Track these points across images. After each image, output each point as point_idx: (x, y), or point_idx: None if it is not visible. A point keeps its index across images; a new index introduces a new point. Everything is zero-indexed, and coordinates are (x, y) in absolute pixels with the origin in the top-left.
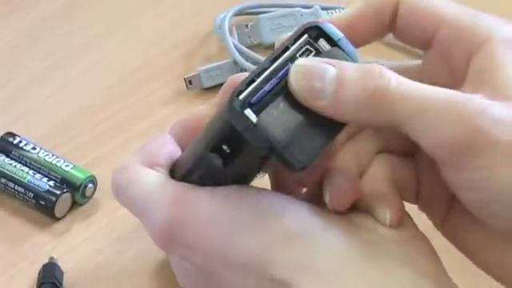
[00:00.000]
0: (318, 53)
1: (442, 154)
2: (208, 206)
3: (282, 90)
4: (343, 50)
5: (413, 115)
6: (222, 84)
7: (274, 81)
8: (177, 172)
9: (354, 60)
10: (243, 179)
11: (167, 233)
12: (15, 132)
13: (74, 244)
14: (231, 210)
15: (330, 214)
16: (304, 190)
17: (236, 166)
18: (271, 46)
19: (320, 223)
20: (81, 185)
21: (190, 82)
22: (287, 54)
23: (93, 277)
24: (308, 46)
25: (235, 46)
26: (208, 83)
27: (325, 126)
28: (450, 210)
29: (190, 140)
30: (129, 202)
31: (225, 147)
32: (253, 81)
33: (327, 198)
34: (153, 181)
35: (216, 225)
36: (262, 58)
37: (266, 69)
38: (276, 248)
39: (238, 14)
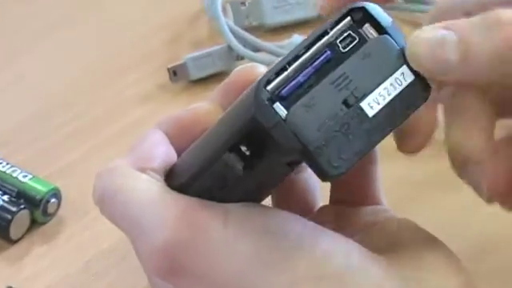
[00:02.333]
0: (362, 41)
1: None
2: (221, 231)
3: (319, 81)
4: (393, 38)
5: None
6: (213, 76)
7: (308, 70)
8: (174, 180)
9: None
10: (258, 193)
11: (168, 258)
12: None
13: (34, 271)
14: (251, 238)
15: (367, 250)
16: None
17: (256, 173)
18: (274, 29)
19: (359, 262)
20: (42, 200)
21: (175, 73)
22: (325, 39)
23: None
24: (350, 32)
25: (230, 29)
26: (197, 74)
27: (369, 126)
28: None
29: (184, 142)
30: (117, 213)
31: (244, 149)
32: (284, 69)
33: (484, 188)
34: (149, 189)
35: (231, 256)
36: (262, 42)
37: (299, 56)
38: None
39: None
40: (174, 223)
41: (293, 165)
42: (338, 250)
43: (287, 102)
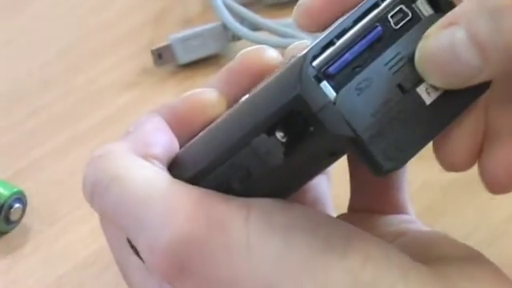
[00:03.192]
0: (416, 18)
1: None
2: (243, 229)
3: (370, 60)
4: None
5: None
6: (205, 59)
7: (357, 48)
8: (181, 171)
9: None
10: (284, 189)
11: (177, 257)
12: None
13: None
14: (278, 238)
15: (408, 258)
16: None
17: (291, 163)
18: (276, 4)
19: (400, 271)
20: (3, 205)
21: (160, 56)
22: (375, 12)
23: None
24: (403, 6)
25: (224, 3)
26: (185, 57)
27: (427, 115)
28: None
29: (182, 136)
30: (112, 205)
31: (280, 135)
32: (331, 43)
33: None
34: (154, 178)
35: (254, 258)
36: (262, 19)
37: (346, 30)
38: None
39: None
40: (186, 218)
41: (336, 156)
42: (376, 255)
43: (336, 81)
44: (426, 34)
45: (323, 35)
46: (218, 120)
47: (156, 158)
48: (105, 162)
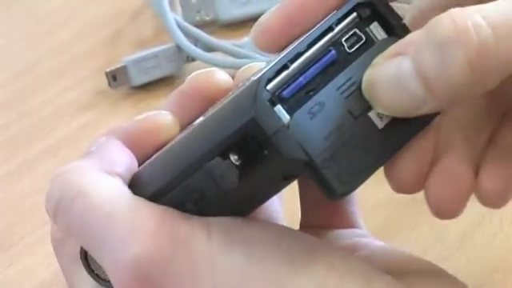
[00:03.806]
0: (370, 42)
1: None
2: (206, 244)
3: (323, 84)
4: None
5: None
6: (159, 81)
7: (311, 72)
8: (139, 190)
9: None
10: (241, 210)
11: (142, 274)
12: None
13: None
14: (239, 251)
15: (369, 266)
16: None
17: (247, 186)
18: (230, 24)
19: (364, 280)
20: None
21: (115, 78)
22: (330, 35)
23: None
24: (356, 30)
25: (178, 25)
26: (139, 79)
27: (379, 139)
28: None
29: (139, 156)
30: (78, 220)
31: (234, 158)
32: (285, 67)
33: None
34: (119, 195)
35: (218, 272)
36: (217, 40)
37: (301, 54)
38: None
39: None
40: (150, 235)
41: (290, 179)
42: (339, 265)
43: (289, 105)
44: (373, 62)
45: (277, 58)
46: (173, 142)
47: (120, 176)
48: (70, 177)
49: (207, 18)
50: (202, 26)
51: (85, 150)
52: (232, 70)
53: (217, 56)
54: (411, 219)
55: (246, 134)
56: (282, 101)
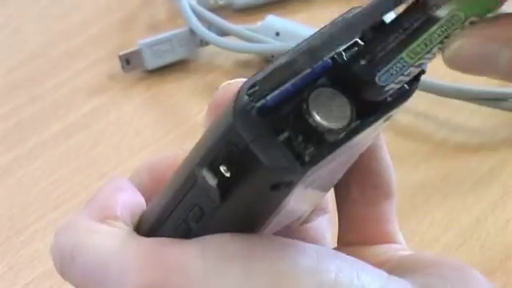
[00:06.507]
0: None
1: None
2: (200, 265)
3: (310, 91)
4: None
5: None
6: (173, 64)
7: (300, 78)
8: (144, 226)
9: None
10: (241, 226)
11: None
12: None
13: None
14: (237, 266)
15: (382, 271)
16: None
17: (235, 198)
18: (244, 9)
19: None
20: None
21: (128, 62)
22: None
23: None
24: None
25: (192, 9)
26: (153, 63)
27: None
28: None
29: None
30: (78, 274)
31: (223, 169)
32: (274, 73)
33: None
34: (109, 239)
35: None
36: (231, 25)
37: (292, 62)
38: None
39: None
40: (141, 269)
41: (277, 189)
42: (350, 276)
43: (273, 113)
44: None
45: (269, 66)
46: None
47: (117, 218)
48: (67, 232)
49: (221, 2)
50: (216, 10)
51: (97, 134)
52: (245, 53)
53: (230, 40)
54: (423, 206)
55: (229, 141)
56: (266, 109)
